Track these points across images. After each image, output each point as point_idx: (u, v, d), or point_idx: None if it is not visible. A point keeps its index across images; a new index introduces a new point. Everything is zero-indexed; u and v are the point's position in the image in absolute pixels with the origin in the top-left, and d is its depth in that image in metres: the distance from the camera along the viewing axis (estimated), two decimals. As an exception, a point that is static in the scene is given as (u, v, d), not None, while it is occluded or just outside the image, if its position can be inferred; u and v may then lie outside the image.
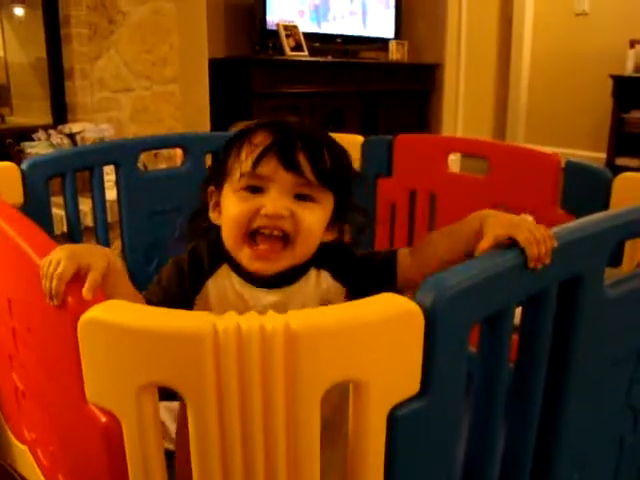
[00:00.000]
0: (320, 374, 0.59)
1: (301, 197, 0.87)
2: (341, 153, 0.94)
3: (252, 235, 0.87)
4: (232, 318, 0.56)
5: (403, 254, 0.94)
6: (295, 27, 3.49)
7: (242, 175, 0.87)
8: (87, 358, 0.62)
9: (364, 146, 1.78)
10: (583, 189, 1.42)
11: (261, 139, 0.87)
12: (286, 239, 0.87)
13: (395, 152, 1.77)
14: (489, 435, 0.78)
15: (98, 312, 0.60)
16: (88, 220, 1.80)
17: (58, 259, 0.66)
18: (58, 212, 1.59)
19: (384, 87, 3.87)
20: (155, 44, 2.71)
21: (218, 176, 0.93)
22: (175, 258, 0.95)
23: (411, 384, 0.65)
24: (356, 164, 1.79)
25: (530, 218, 0.76)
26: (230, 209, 0.88)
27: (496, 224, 0.79)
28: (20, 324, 0.83)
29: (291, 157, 0.85)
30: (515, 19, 4.70)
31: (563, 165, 1.49)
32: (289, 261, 0.88)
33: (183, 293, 0.92)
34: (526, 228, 0.75)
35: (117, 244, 1.75)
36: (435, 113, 4.27)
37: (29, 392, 0.90)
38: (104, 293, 0.68)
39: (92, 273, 0.67)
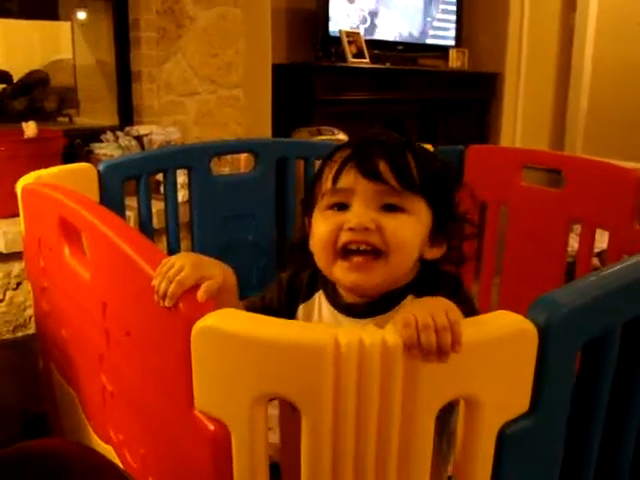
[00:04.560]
0: (437, 390, 0.58)
1: (389, 207, 0.82)
2: (431, 159, 0.88)
3: (342, 252, 0.82)
4: (354, 331, 0.56)
5: None
6: (357, 34, 3.49)
7: (324, 194, 0.85)
8: (199, 366, 0.62)
9: (434, 155, 1.76)
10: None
11: (341, 155, 0.85)
12: (377, 253, 0.81)
13: (466, 162, 1.75)
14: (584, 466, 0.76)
15: (214, 320, 0.60)
16: (154, 222, 1.83)
17: (182, 264, 0.67)
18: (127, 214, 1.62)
19: (443, 95, 3.84)
20: (221, 49, 2.73)
21: (309, 204, 0.91)
22: (280, 277, 0.94)
23: (521, 402, 0.64)
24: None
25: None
26: (316, 230, 0.86)
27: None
28: (117, 327, 0.84)
29: (370, 164, 0.81)
30: (577, 28, 4.63)
31: (643, 180, 1.46)
32: (384, 273, 0.82)
33: (281, 312, 0.91)
34: (428, 313, 0.61)
35: (184, 246, 1.77)
36: (494, 122, 4.22)
37: (119, 394, 0.90)
38: (216, 304, 0.68)
39: (210, 282, 0.68)
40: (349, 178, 0.82)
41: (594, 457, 0.77)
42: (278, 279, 0.94)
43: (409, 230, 0.83)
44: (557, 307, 0.64)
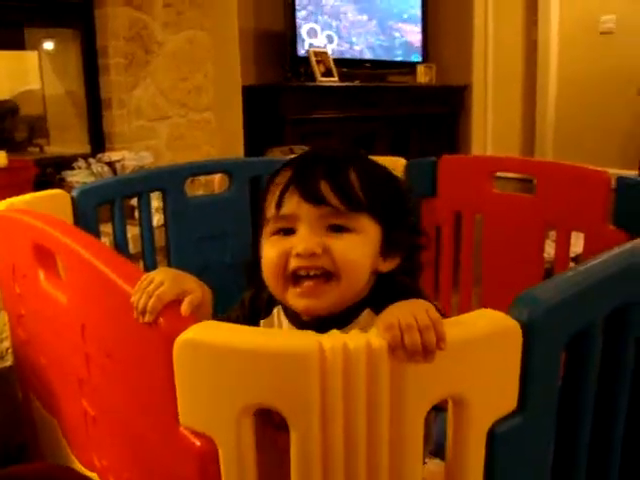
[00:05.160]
0: (424, 391, 0.58)
1: (335, 228, 0.81)
2: (379, 174, 0.88)
3: (292, 278, 0.82)
4: (338, 337, 0.56)
5: None
6: (325, 53, 3.52)
7: (268, 220, 0.85)
8: (182, 380, 0.61)
9: (407, 168, 1.77)
10: (635, 205, 1.41)
11: (283, 177, 0.84)
12: (328, 276, 0.81)
13: (439, 173, 1.76)
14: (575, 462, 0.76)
15: (196, 332, 0.59)
16: (130, 247, 1.81)
17: (162, 279, 0.67)
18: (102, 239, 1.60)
19: (413, 110, 3.88)
20: (190, 72, 2.74)
21: (259, 225, 0.90)
22: (243, 297, 0.95)
23: (509, 400, 0.64)
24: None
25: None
26: (265, 256, 0.85)
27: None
28: (97, 350, 0.83)
29: (311, 188, 0.80)
30: (540, 40, 4.70)
31: (613, 182, 1.47)
32: (336, 295, 0.82)
33: None
34: (409, 314, 0.61)
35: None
36: (464, 134, 4.27)
37: (102, 418, 0.89)
38: (197, 318, 0.67)
39: (192, 296, 0.68)
40: (292, 203, 0.82)
41: (585, 453, 0.77)
42: (241, 299, 0.94)
43: (357, 249, 0.82)
44: (538, 303, 0.64)
